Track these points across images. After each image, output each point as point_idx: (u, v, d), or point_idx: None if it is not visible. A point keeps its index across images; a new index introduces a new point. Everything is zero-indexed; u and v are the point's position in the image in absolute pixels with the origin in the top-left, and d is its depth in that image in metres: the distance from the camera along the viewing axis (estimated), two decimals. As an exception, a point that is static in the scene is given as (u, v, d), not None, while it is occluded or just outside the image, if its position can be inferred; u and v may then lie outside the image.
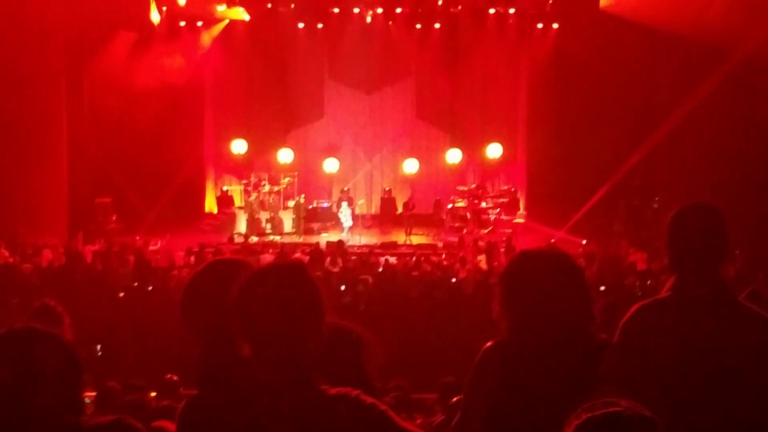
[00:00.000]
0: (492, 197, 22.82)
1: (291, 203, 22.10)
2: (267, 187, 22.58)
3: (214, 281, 2.57)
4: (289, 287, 2.15)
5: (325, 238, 19.95)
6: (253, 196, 21.84)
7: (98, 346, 9.19)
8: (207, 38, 22.62)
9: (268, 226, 21.48)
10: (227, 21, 22.50)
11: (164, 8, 21.26)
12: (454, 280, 16.09)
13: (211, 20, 22.42)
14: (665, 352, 2.54)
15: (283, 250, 18.79)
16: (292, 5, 22.55)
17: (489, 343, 2.72)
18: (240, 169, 23.63)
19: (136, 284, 15.37)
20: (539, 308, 2.58)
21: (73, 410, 2.08)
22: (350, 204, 21.40)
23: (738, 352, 2.52)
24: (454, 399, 5.90)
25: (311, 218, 22.26)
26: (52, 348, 2.09)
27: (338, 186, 23.39)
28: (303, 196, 22.26)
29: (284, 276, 2.19)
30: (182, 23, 22.13)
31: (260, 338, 2.12)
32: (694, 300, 2.61)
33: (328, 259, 17.48)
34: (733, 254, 14.34)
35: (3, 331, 2.08)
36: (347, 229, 20.98)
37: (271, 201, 21.88)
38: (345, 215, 21.02)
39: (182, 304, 2.59)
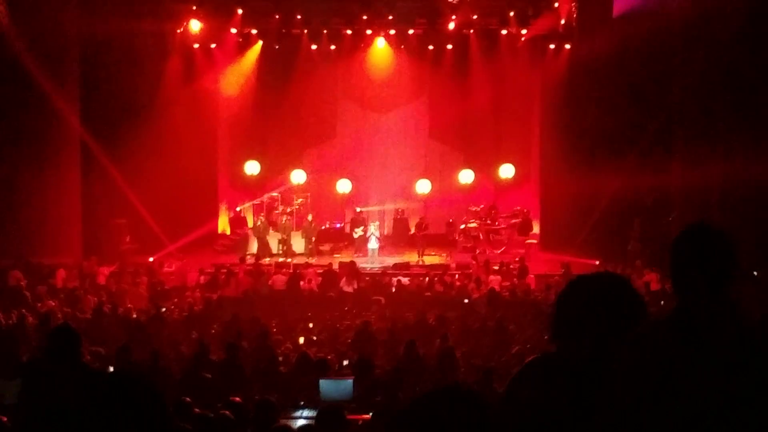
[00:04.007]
0: (505, 218, 22.76)
1: (309, 217, 21.99)
2: (280, 208, 22.59)
3: None
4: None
5: (337, 260, 19.88)
6: (261, 218, 21.71)
7: (110, 368, 9.17)
8: (221, 60, 22.78)
9: (280, 247, 21.43)
10: (240, 40, 22.67)
11: (179, 30, 21.50)
12: (466, 300, 16.08)
13: (225, 43, 22.59)
14: (654, 376, 2.46)
15: (296, 271, 18.77)
16: (306, 30, 22.67)
17: (534, 356, 2.79)
18: (253, 190, 23.68)
19: (147, 306, 15.43)
20: (591, 332, 2.59)
21: None
22: (367, 228, 21.34)
23: (731, 376, 2.40)
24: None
25: (323, 239, 22.23)
26: (148, 398, 2.11)
27: (351, 207, 23.39)
28: (311, 216, 22.06)
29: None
30: (196, 45, 22.29)
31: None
32: (688, 324, 2.52)
33: (344, 279, 17.47)
34: (750, 275, 14.17)
35: (114, 373, 2.10)
36: (377, 251, 20.91)
37: (284, 221, 21.81)
38: (372, 239, 20.97)
39: None
